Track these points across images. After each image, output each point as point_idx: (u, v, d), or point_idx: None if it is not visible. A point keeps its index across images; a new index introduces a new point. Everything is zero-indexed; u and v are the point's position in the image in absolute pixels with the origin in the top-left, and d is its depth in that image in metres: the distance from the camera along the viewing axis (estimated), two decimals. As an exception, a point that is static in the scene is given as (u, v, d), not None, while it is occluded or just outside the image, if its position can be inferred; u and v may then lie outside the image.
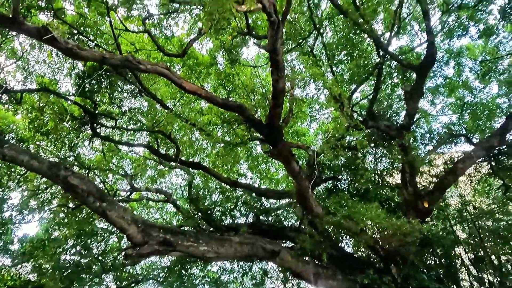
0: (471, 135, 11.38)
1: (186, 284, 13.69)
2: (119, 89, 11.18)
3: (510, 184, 10.95)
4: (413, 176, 10.34)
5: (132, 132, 12.39)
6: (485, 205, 11.63)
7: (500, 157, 10.46)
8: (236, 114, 8.04)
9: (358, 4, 9.89)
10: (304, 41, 10.78)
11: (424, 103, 12.01)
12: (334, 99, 10.36)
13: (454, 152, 12.02)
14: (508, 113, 10.13)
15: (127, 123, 12.33)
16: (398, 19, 10.32)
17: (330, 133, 10.67)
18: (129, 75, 10.10)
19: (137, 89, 10.49)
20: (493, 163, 10.78)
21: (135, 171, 13.98)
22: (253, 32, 9.32)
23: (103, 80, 10.40)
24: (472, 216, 10.80)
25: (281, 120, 8.07)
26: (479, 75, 11.58)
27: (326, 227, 9.68)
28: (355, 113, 11.32)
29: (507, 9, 10.21)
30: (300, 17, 10.59)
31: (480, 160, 10.79)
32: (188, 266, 13.67)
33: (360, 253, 11.27)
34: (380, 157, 11.62)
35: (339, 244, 10.82)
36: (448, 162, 10.94)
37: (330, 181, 12.14)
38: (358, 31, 9.84)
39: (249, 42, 9.35)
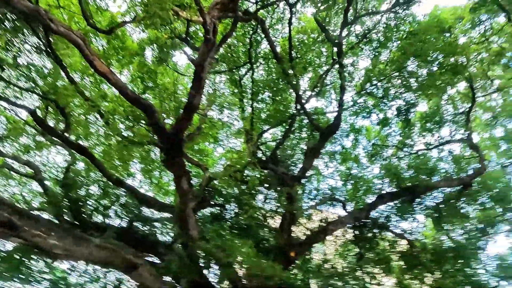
0: (348, 203, 12.95)
1: (24, 277, 11.84)
2: (22, 39, 9.78)
3: (365, 253, 12.65)
4: (291, 225, 11.20)
5: (20, 90, 10.79)
6: (340, 267, 13.10)
7: (362, 228, 12.08)
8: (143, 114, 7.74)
9: (293, 56, 10.80)
10: (236, 69, 11.18)
11: (320, 163, 13.33)
12: (245, 132, 10.81)
13: (330, 213, 13.47)
14: (379, 195, 11.94)
15: (19, 78, 10.73)
16: (321, 84, 11.54)
17: (230, 162, 10.99)
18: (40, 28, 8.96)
19: (44, 48, 9.32)
20: (356, 232, 12.36)
21: (9, 133, 12.04)
22: (191, 41, 9.32)
23: (5, 20, 9.00)
24: (327, 274, 12.04)
25: (186, 134, 8.02)
26: (368, 155, 13.47)
27: (197, 252, 9.67)
28: (260, 151, 11.95)
29: (402, 109, 12.35)
30: (239, 46, 11.04)
31: (347, 226, 12.31)
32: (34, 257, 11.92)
33: (222, 286, 11.43)
34: (269, 199, 12.31)
35: (204, 272, 10.82)
36: (323, 221, 12.19)
37: (217, 208, 12.28)
38: (285, 80, 10.64)
39: (183, 49, 9.27)
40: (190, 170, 9.99)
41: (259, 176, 12.19)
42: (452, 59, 10.98)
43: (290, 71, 10.39)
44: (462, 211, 12.51)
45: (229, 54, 11.30)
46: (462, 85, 12.64)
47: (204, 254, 9.87)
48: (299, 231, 12.54)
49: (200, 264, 10.31)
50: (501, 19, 10.90)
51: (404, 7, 10.57)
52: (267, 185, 12.27)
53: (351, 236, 12.79)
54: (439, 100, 12.71)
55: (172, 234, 12.54)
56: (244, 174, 10.57)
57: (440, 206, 12.06)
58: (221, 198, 12.06)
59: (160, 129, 7.20)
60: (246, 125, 10.63)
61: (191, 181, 9.13)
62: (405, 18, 10.68)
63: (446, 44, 10.57)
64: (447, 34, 11.11)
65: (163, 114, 8.88)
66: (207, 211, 12.78)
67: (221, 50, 11.32)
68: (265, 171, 11.61)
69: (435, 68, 10.96)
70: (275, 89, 11.74)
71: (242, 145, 12.75)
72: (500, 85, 12.80)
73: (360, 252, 12.48)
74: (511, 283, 12.48)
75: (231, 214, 12.40)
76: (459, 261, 12.39)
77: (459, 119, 12.77)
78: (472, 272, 12.45)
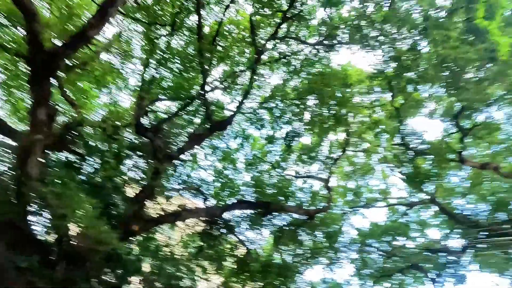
0: (210, 198, 13.43)
1: None
2: None
3: (206, 248, 13.25)
4: (146, 199, 10.96)
5: None
6: (179, 254, 13.41)
7: (212, 225, 12.65)
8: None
9: (216, 42, 10.77)
10: (156, 26, 10.58)
11: (201, 153, 13.54)
12: (139, 92, 10.22)
13: (190, 201, 13.75)
14: (239, 200, 12.76)
15: None
16: (231, 80, 11.81)
17: (110, 115, 10.25)
18: None
19: None
20: (206, 227, 12.87)
21: None
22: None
23: None
24: (162, 257, 12.19)
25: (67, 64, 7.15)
26: (246, 162, 14.28)
27: (29, 192, 8.59)
28: (146, 118, 11.44)
29: (289, 135, 13.51)
30: (169, 6, 10.48)
31: (201, 219, 12.73)
32: None
33: (46, 237, 10.38)
34: (136, 167, 11.84)
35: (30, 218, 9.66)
36: (180, 206, 12.34)
37: (76, 157, 11.19)
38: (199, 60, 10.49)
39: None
40: (57, 104, 8.93)
41: (136, 142, 11.69)
42: (342, 111, 12.64)
43: (207, 54, 10.33)
44: (299, 237, 14.30)
45: (155, 8, 10.60)
46: (342, 135, 14.58)
47: (37, 198, 8.84)
48: (152, 208, 12.35)
49: (28, 207, 9.18)
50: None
51: (325, 49, 11.69)
52: (140, 153, 11.82)
53: (200, 229, 13.22)
54: (320, 139, 14.33)
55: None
56: (119, 133, 9.95)
57: (284, 227, 13.53)
58: (84, 148, 11.05)
59: (36, 41, 6.21)
60: (143, 86, 10.08)
61: (53, 116, 8.14)
62: (321, 59, 11.79)
63: (342, 96, 12.09)
64: (347, 90, 12.72)
65: (50, 32, 7.71)
66: (63, 155, 11.53)
67: (149, 1, 10.59)
68: (143, 138, 11.17)
69: (326, 112, 12.36)
70: (187, 64, 11.48)
71: (131, 104, 12.03)
72: (368, 148, 15.24)
73: (202, 246, 13.02)
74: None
75: (88, 168, 11.46)
76: (280, 278, 14.07)
77: (328, 162, 14.64)
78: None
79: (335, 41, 11.16)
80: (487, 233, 12.29)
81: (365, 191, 16.86)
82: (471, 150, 14.76)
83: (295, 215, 13.74)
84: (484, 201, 14.52)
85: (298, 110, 12.80)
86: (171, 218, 11.73)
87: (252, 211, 13.08)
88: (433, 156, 12.93)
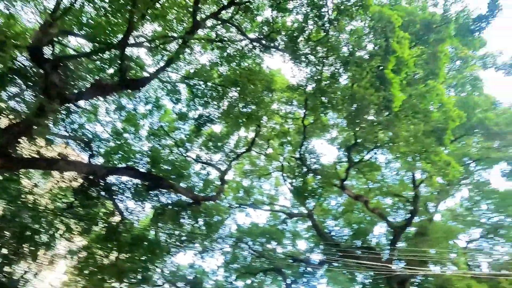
0: (98, 156, 12.48)
1: None
2: None
3: (77, 207, 12.25)
4: (20, 135, 9.59)
5: None
6: (44, 205, 12.14)
7: (93, 184, 11.73)
8: None
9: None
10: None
11: (103, 106, 12.50)
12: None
13: (74, 153, 12.58)
14: (129, 166, 12.15)
15: None
16: (160, 43, 11.16)
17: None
18: None
19: None
20: (85, 184, 11.86)
21: None
22: None
23: None
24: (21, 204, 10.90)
25: None
26: (150, 131, 13.71)
27: None
28: (50, 48, 10.02)
29: (202, 118, 13.35)
30: None
31: (81, 175, 11.70)
32: None
33: None
34: (21, 97, 10.31)
35: None
36: (61, 154, 11.17)
37: None
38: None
39: None
40: None
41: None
42: (258, 112, 13.05)
43: (142, 5, 9.54)
44: (180, 219, 14.24)
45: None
46: (251, 135, 15.06)
47: None
48: (27, 149, 10.90)
49: None
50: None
51: (261, 48, 11.90)
52: (29, 84, 10.32)
53: (77, 185, 12.16)
54: (230, 132, 14.57)
55: None
56: (6, 50, 8.47)
57: (168, 206, 13.32)
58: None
59: None
60: (56, 12, 8.78)
61: None
62: (255, 56, 11.97)
63: (262, 98, 12.49)
64: (269, 94, 13.19)
65: None
66: None
67: None
68: (40, 70, 9.76)
69: (243, 107, 12.61)
70: (116, 7, 10.41)
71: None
72: (270, 153, 16.06)
73: (73, 202, 12.01)
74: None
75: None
76: (148, 255, 13.82)
77: (231, 156, 14.96)
78: (149, 267, 14.12)
79: (272, 44, 11.44)
80: (342, 254, 14.01)
81: (256, 192, 17.75)
82: (353, 181, 16.79)
83: (183, 197, 13.65)
84: (349, 227, 16.63)
85: (218, 97, 12.76)
86: (46, 164, 10.48)
87: (140, 182, 12.54)
88: (321, 177, 14.24)
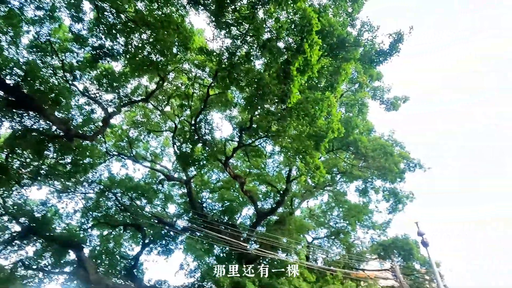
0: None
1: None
2: None
3: None
4: None
5: None
6: None
7: None
8: None
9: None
10: None
11: None
12: None
13: None
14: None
15: None
16: None
17: None
18: None
19: None
20: None
21: None
22: None
23: None
24: None
25: None
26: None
27: None
28: None
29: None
30: None
31: None
32: None
33: None
34: None
35: None
36: None
37: None
38: None
39: None
40: None
41: None
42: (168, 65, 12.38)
43: None
44: (44, 151, 12.65)
45: None
46: (154, 86, 14.19)
47: None
48: None
49: None
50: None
51: (189, 0, 11.22)
52: None
53: None
54: (132, 75, 13.45)
55: None
56: None
57: (31, 133, 11.64)
58: None
59: None
60: None
61: None
62: (180, 6, 11.23)
63: (174, 52, 11.89)
64: (184, 51, 12.60)
65: None
66: None
67: None
68: None
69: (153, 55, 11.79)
70: None
71: None
72: (168, 112, 15.49)
73: None
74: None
75: None
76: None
77: (124, 99, 13.87)
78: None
79: (202, 1, 10.92)
80: (207, 226, 14.57)
81: (141, 146, 17.00)
82: (238, 162, 17.56)
83: (55, 127, 12.15)
84: (220, 202, 17.39)
85: (127, 33, 11.59)
86: None
87: (3, 94, 10.64)
88: (209, 150, 14.43)
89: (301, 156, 11.09)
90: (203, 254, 16.34)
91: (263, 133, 12.71)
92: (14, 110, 11.22)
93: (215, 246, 16.96)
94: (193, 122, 14.27)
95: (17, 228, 14.16)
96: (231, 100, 13.81)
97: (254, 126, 12.65)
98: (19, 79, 11.06)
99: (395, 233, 17.88)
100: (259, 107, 10.00)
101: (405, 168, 15.28)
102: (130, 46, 12.09)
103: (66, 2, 11.08)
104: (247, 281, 12.69)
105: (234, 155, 15.00)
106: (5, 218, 13.96)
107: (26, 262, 14.84)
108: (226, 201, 17.43)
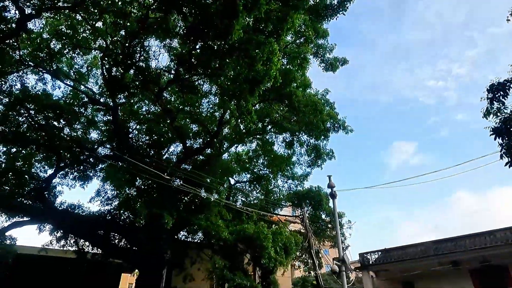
0: None
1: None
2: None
3: None
4: None
5: None
6: None
7: None
8: None
9: None
10: None
11: None
12: None
13: None
14: None
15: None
16: None
17: None
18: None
19: None
20: None
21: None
22: None
23: None
24: None
25: None
26: None
27: None
28: None
29: None
30: None
31: None
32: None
33: None
34: None
35: None
36: None
37: None
38: None
39: None
40: None
41: None
42: None
43: None
44: None
45: None
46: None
47: None
48: None
49: None
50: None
51: None
52: None
53: None
54: None
55: None
56: None
57: None
58: None
59: None
60: None
61: None
62: None
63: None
64: None
65: None
66: None
67: None
68: None
69: None
70: None
71: None
72: (100, 28, 13.89)
73: None
74: None
75: None
76: None
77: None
78: None
79: None
80: (131, 156, 14.17)
81: (64, 62, 15.30)
82: (172, 97, 16.94)
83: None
84: (148, 135, 16.89)
85: None
86: None
87: None
88: (141, 78, 13.60)
89: (235, 100, 11.10)
90: (124, 184, 16.02)
91: (202, 69, 12.31)
92: None
93: (137, 178, 16.76)
94: (127, 44, 13.14)
95: None
96: (173, 27, 12.88)
97: (193, 61, 12.14)
98: None
99: (310, 185, 19.50)
100: (199, 41, 9.53)
101: (330, 127, 16.36)
102: None
103: None
104: (165, 213, 12.99)
105: (169, 88, 14.41)
106: None
107: None
108: (154, 135, 17.00)
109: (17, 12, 11.61)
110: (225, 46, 8.71)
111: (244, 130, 17.08)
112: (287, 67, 14.11)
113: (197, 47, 10.61)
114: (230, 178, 18.97)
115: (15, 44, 12.50)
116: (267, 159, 18.70)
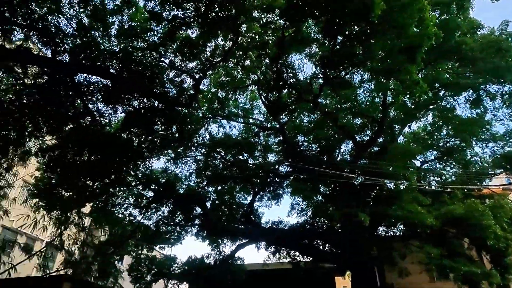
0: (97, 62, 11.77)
1: None
2: None
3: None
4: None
5: None
6: None
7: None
8: None
9: None
10: None
11: None
12: None
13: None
14: (95, 64, 11.64)
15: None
16: None
17: None
18: None
19: None
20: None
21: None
22: None
23: None
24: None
25: None
26: (121, 30, 12.82)
27: None
28: None
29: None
30: None
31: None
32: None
33: None
34: None
35: None
36: (21, 46, 10.46)
37: None
38: None
39: None
40: None
41: None
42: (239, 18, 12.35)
43: None
44: (154, 126, 14.37)
45: None
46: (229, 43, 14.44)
47: None
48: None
49: None
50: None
51: None
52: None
53: (42, 82, 11.68)
54: (208, 39, 13.90)
55: None
56: None
57: (140, 111, 13.27)
58: None
59: None
60: None
61: None
62: None
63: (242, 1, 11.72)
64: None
65: None
66: None
67: None
68: None
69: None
70: None
71: None
72: (248, 66, 15.73)
73: (40, 100, 11.69)
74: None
75: None
76: (120, 157, 14.17)
77: (207, 64, 14.55)
78: (122, 168, 14.60)
79: None
80: (308, 167, 14.99)
81: (231, 105, 17.89)
82: (327, 100, 17.16)
83: (157, 103, 13.60)
84: (316, 143, 17.49)
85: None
86: (5, 54, 9.89)
87: (111, 83, 12.24)
88: (295, 93, 14.39)
89: (394, 77, 10.23)
90: (310, 193, 16.96)
91: (348, 61, 12.02)
92: (122, 95, 12.83)
93: (320, 185, 17.46)
94: (274, 69, 14.28)
95: (151, 194, 16.87)
96: (307, 36, 13.25)
97: (337, 56, 12.03)
98: (118, 67, 12.49)
99: (521, 140, 15.51)
100: (338, 34, 9.38)
101: (527, 62, 12.77)
102: (199, 11, 12.42)
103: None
104: (358, 211, 12.88)
105: (322, 93, 14.67)
106: (140, 187, 16.69)
107: (164, 220, 17.76)
108: (322, 141, 17.46)
109: (191, 80, 14.51)
110: (367, 27, 8.26)
111: (412, 106, 15.44)
112: (443, 17, 12.09)
113: (338, 41, 10.46)
114: (413, 161, 17.29)
115: (197, 105, 15.51)
116: (451, 128, 16.12)
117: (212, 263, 17.40)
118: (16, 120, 12.10)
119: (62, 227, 14.11)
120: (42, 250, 14.43)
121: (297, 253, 17.70)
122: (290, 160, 17.49)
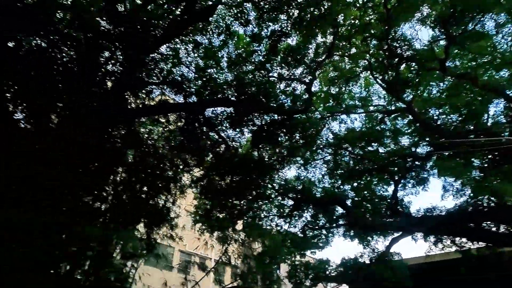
0: (193, 95, 13.57)
1: None
2: None
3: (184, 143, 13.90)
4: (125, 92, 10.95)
5: None
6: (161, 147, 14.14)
7: (195, 121, 13.06)
8: None
9: None
10: None
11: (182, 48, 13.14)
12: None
13: (171, 98, 13.94)
14: (228, 98, 12.98)
15: None
16: None
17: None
18: None
19: None
20: (189, 123, 13.31)
21: None
22: None
23: None
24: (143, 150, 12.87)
25: None
26: (229, 60, 14.03)
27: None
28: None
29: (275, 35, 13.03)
30: None
31: (183, 114, 13.06)
32: None
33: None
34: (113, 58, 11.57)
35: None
36: (161, 101, 12.55)
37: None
38: None
39: None
40: None
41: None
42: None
43: None
44: (278, 138, 15.05)
45: None
46: (329, 38, 14.17)
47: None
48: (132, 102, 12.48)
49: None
50: None
51: None
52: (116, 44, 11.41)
53: (181, 125, 13.68)
54: (308, 41, 13.97)
55: None
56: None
57: (263, 126, 14.11)
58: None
59: None
60: None
61: None
62: None
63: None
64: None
65: None
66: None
67: None
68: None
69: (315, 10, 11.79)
70: None
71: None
72: (354, 53, 15.04)
73: (183, 140, 13.68)
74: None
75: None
76: (256, 173, 15.27)
77: (313, 66, 14.57)
78: (260, 184, 15.64)
79: None
80: (451, 141, 13.13)
81: (346, 98, 17.28)
82: (456, 62, 14.85)
83: (276, 116, 14.24)
84: (457, 112, 15.21)
85: (286, 6, 12.13)
86: (151, 111, 12.04)
87: (233, 110, 13.44)
88: (416, 64, 12.97)
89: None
90: (462, 170, 14.74)
91: (473, 9, 10.24)
92: (245, 117, 13.89)
93: (473, 158, 15.09)
94: (385, 47, 13.25)
95: (290, 202, 17.53)
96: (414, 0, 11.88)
97: (457, 9, 10.39)
98: (235, 93, 13.64)
99: None
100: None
101: None
102: (292, 18, 12.63)
103: (236, 17, 12.73)
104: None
105: (448, 56, 12.81)
106: (279, 198, 17.56)
107: (309, 225, 18.14)
108: (461, 109, 15.10)
109: (302, 85, 14.72)
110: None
111: None
112: None
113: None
114: None
115: (313, 107, 15.55)
116: None
117: (368, 262, 16.76)
118: (170, 161, 14.42)
119: (226, 244, 15.92)
120: (215, 267, 16.55)
121: (464, 239, 15.47)
122: (427, 139, 15.68)
